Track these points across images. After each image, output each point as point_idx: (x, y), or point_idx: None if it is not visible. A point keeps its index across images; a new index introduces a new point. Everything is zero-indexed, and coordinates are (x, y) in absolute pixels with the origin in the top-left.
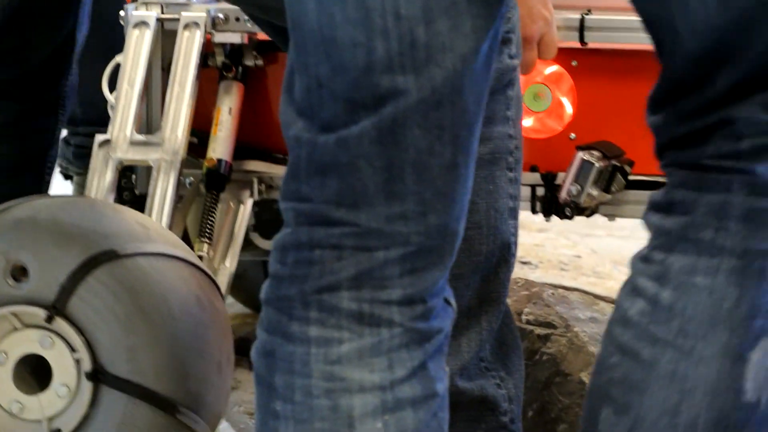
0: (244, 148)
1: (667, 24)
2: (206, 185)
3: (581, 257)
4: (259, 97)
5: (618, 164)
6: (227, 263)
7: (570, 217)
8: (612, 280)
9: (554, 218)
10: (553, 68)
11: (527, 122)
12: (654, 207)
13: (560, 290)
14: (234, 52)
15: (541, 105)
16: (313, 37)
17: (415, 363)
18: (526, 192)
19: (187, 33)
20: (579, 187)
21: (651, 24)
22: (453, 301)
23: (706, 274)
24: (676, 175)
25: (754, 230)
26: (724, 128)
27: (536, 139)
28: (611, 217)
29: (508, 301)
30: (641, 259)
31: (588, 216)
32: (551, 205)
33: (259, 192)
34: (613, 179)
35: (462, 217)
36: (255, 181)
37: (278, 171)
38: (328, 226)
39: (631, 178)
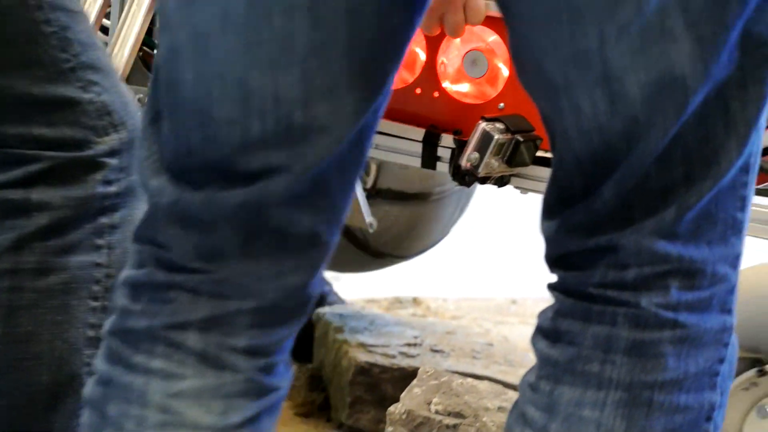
0: None
1: (558, 124)
2: None
3: (493, 345)
4: None
5: (521, 139)
6: None
7: (468, 185)
8: (523, 368)
9: (466, 304)
10: (493, 37)
11: (463, 87)
12: (541, 332)
13: (469, 379)
14: None
15: (477, 71)
16: (188, 105)
17: (250, 413)
18: (447, 155)
19: None
20: (478, 156)
21: (545, 122)
22: (292, 368)
23: (594, 407)
24: (563, 302)
25: (640, 363)
26: (610, 254)
27: (468, 105)
28: (524, 190)
29: (417, 390)
30: (530, 387)
31: (499, 186)
32: (457, 170)
33: None
34: (516, 153)
35: (317, 283)
36: None
37: None
38: (187, 273)
39: (543, 155)
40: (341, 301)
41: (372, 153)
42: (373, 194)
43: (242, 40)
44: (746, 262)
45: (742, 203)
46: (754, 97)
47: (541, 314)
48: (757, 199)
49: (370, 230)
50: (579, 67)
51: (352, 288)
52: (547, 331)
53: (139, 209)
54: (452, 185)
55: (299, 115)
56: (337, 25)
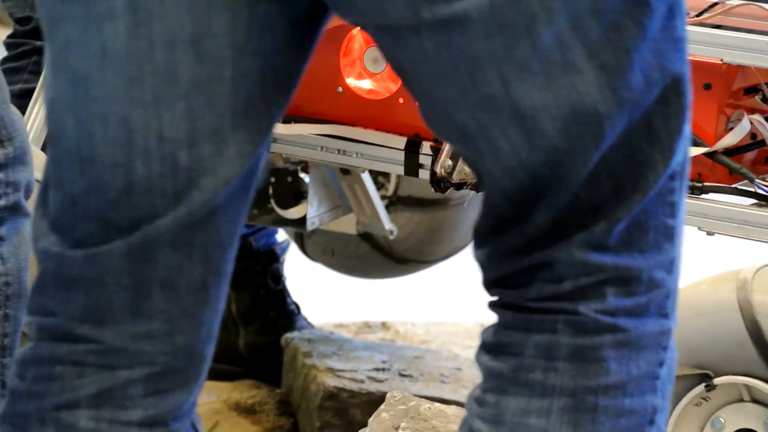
0: None
1: (481, 165)
2: None
3: (462, 369)
4: None
5: None
6: None
7: (443, 191)
8: None
9: (435, 329)
10: None
11: (365, 84)
12: (484, 347)
13: (437, 404)
14: None
15: (378, 67)
16: (71, 154)
17: None
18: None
19: None
20: (451, 164)
21: (468, 163)
22: (200, 428)
23: (539, 415)
24: (503, 316)
25: (583, 368)
26: (545, 270)
27: (369, 100)
28: None
29: (385, 415)
30: (476, 401)
31: (477, 191)
32: (433, 177)
33: None
34: None
35: (210, 340)
36: None
37: None
38: (71, 342)
39: None
40: (310, 326)
41: (357, 162)
42: (393, 201)
43: (123, 76)
44: (721, 262)
45: (672, 210)
46: (674, 110)
47: (484, 332)
48: (730, 198)
49: (391, 237)
50: (489, 111)
51: (320, 312)
52: (489, 346)
53: (26, 227)
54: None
55: (184, 155)
56: (221, 61)
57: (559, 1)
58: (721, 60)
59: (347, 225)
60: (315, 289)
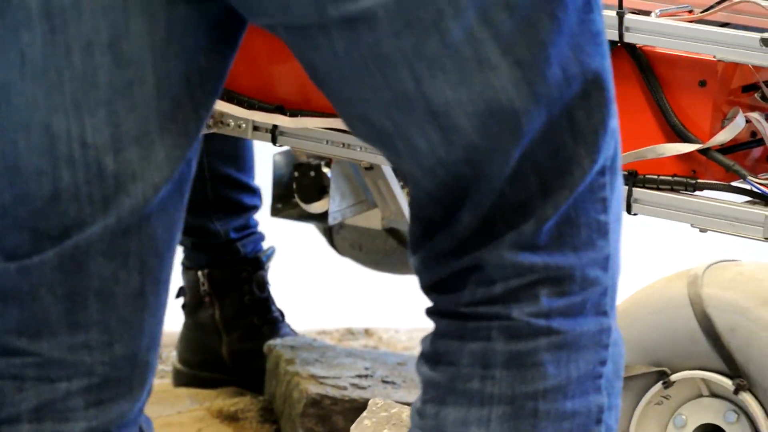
0: None
1: (402, 165)
2: None
3: None
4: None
5: None
6: None
7: None
8: None
9: (418, 335)
10: None
11: None
12: (423, 357)
13: None
14: None
15: None
16: None
17: None
18: None
19: None
20: None
21: (392, 165)
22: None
23: (479, 424)
24: (439, 324)
25: (520, 374)
26: (476, 273)
27: None
28: None
29: (368, 422)
30: (417, 413)
31: None
32: None
33: (207, 126)
34: None
35: (153, 347)
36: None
37: (229, 109)
38: (9, 356)
39: None
40: (294, 333)
41: (362, 156)
42: None
43: (43, 83)
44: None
45: (604, 205)
46: (596, 104)
47: (423, 341)
48: (720, 195)
49: None
50: (403, 109)
51: (303, 319)
52: (428, 355)
53: None
54: None
55: (110, 161)
56: (142, 64)
57: None
58: (714, 57)
59: (373, 220)
60: (298, 295)
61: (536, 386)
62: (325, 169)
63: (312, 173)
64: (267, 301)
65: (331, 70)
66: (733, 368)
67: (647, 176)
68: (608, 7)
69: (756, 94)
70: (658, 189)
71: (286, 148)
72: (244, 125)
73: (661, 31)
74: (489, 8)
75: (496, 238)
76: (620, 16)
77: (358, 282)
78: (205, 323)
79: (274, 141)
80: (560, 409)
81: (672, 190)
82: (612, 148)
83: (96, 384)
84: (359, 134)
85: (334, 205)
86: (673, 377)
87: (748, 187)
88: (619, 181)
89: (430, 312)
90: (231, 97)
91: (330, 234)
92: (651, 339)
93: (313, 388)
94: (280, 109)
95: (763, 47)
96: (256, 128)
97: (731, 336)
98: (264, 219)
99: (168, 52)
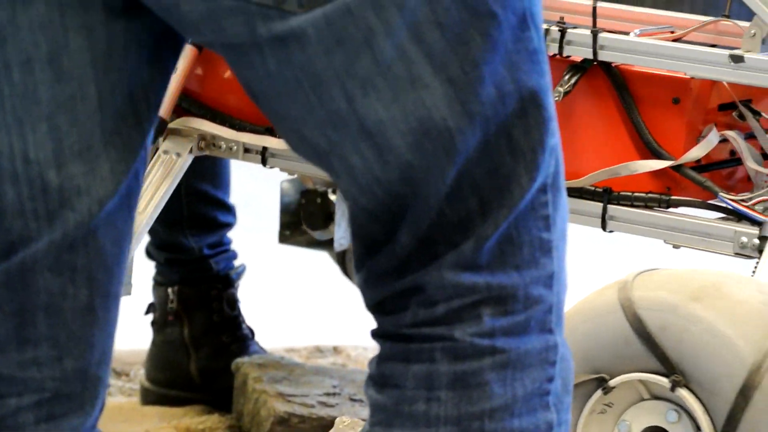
0: (194, 104)
1: (339, 183)
2: None
3: None
4: (215, 61)
5: None
6: (149, 208)
7: None
8: None
9: None
10: None
11: None
12: (371, 380)
13: None
14: None
15: None
16: None
17: None
18: None
19: None
20: None
21: (333, 180)
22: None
23: None
24: (383, 346)
25: (465, 395)
26: (418, 294)
27: None
28: None
29: None
30: None
31: None
32: None
33: (199, 148)
34: None
35: (104, 362)
36: (196, 137)
37: (220, 131)
38: None
39: None
40: (262, 351)
41: None
42: None
43: None
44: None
45: (547, 223)
46: (534, 122)
47: (370, 363)
48: (693, 212)
49: None
50: (337, 128)
51: (271, 337)
52: (374, 378)
53: None
54: None
55: (53, 176)
56: (83, 78)
57: (396, 15)
58: (685, 74)
59: None
60: (266, 313)
61: (482, 406)
62: (332, 196)
63: (319, 200)
64: (237, 319)
65: (265, 88)
66: (668, 366)
67: (622, 193)
68: (583, 26)
69: (733, 113)
70: (632, 206)
71: (295, 176)
72: (235, 147)
73: (634, 49)
74: (420, 26)
75: (436, 258)
76: (594, 35)
77: (326, 300)
78: (174, 341)
79: (264, 163)
80: (507, 427)
81: (646, 207)
82: (553, 165)
83: (46, 399)
84: (297, 151)
85: (339, 231)
86: (612, 383)
87: (721, 204)
88: (563, 199)
89: (374, 334)
90: (222, 120)
91: (343, 261)
92: (588, 347)
93: (281, 406)
94: (270, 131)
95: (732, 63)
96: (246, 150)
97: (663, 334)
98: (235, 236)
99: (109, 67)
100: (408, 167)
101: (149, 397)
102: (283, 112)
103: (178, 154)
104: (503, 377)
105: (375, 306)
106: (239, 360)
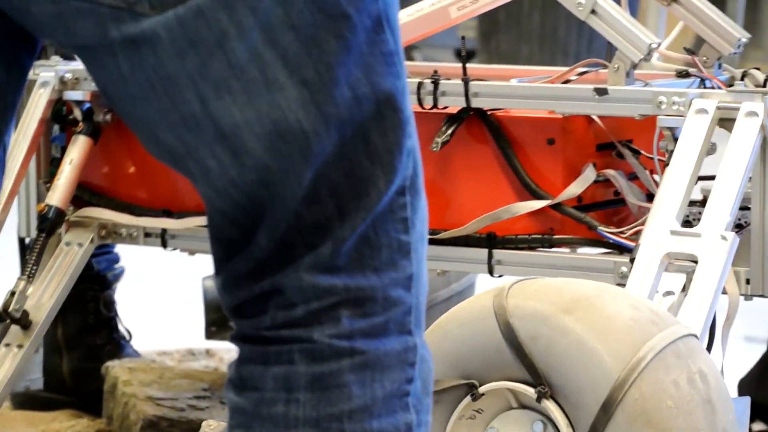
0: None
1: (196, 185)
2: (37, 227)
3: None
4: (109, 150)
5: None
6: (48, 298)
7: None
8: None
9: None
10: None
11: None
12: (230, 382)
13: None
14: (89, 109)
15: None
16: None
17: None
18: None
19: (40, 90)
20: None
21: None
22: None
23: None
24: (242, 349)
25: (324, 396)
26: (276, 297)
27: None
28: None
29: None
30: None
31: None
32: None
33: (100, 237)
34: None
35: None
36: (96, 226)
37: (120, 218)
38: None
39: None
40: (136, 354)
41: None
42: None
43: None
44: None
45: (405, 225)
46: (390, 125)
47: (229, 366)
48: (585, 249)
49: None
50: (192, 131)
51: (144, 340)
52: (234, 381)
53: None
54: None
55: None
56: None
57: (249, 17)
58: (554, 111)
59: None
60: (140, 316)
61: (341, 407)
62: None
63: None
64: (112, 320)
65: (119, 91)
66: (536, 377)
67: (506, 237)
68: (454, 77)
69: (613, 153)
70: (517, 248)
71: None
72: (135, 233)
73: (504, 93)
74: (274, 28)
75: (295, 260)
76: (465, 83)
77: (199, 302)
78: (48, 342)
79: (164, 245)
80: (366, 428)
81: (530, 248)
82: (410, 167)
83: None
84: (153, 154)
85: None
86: (482, 389)
87: (602, 238)
88: (422, 201)
89: (234, 337)
90: (122, 207)
91: None
92: (461, 352)
93: (150, 410)
94: (167, 213)
95: (597, 96)
96: (147, 234)
97: (533, 344)
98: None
99: None
100: (264, 170)
101: (20, 401)
102: (138, 115)
103: (80, 245)
104: (362, 378)
105: (234, 309)
106: (109, 363)
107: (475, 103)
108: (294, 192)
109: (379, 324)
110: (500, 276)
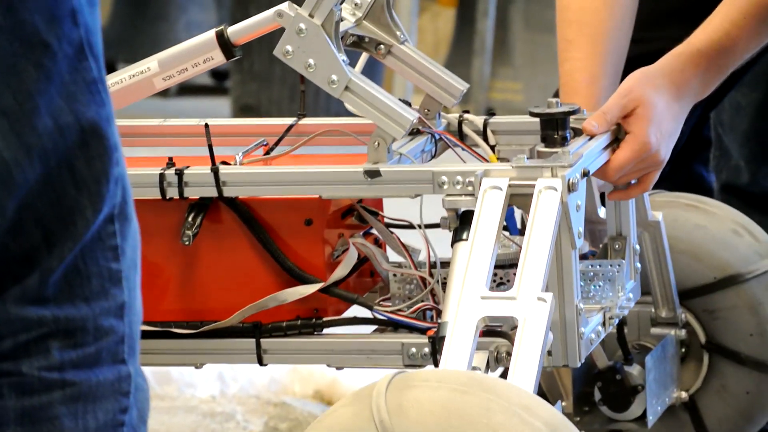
0: None
1: None
2: None
3: None
4: None
5: None
6: None
7: None
8: None
9: None
10: None
11: None
12: None
13: None
14: None
15: None
16: None
17: None
18: None
19: None
20: None
21: None
22: None
23: None
24: None
25: (34, 429)
26: None
27: None
28: None
29: None
30: None
31: None
32: None
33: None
34: None
35: None
36: None
37: None
38: None
39: None
40: None
41: None
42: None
43: None
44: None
45: (115, 253)
46: (96, 153)
47: None
48: (356, 329)
49: None
50: None
51: None
52: None
53: None
54: None
55: None
56: None
57: None
58: (320, 196)
59: None
60: None
61: None
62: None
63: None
64: None
65: None
66: None
67: (273, 324)
68: (203, 166)
69: (353, 217)
70: (285, 335)
71: None
72: None
73: (261, 180)
74: None
75: (1, 292)
76: (215, 173)
77: None
78: None
79: None
80: None
81: (301, 334)
82: (119, 195)
83: None
84: None
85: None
86: None
87: (371, 315)
88: (132, 228)
89: None
90: None
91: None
92: None
93: None
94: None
95: (368, 179)
96: None
97: None
98: None
99: None
100: None
101: None
102: None
103: None
104: (74, 410)
105: None
106: None
107: (228, 192)
108: None
109: (90, 354)
110: (266, 364)
